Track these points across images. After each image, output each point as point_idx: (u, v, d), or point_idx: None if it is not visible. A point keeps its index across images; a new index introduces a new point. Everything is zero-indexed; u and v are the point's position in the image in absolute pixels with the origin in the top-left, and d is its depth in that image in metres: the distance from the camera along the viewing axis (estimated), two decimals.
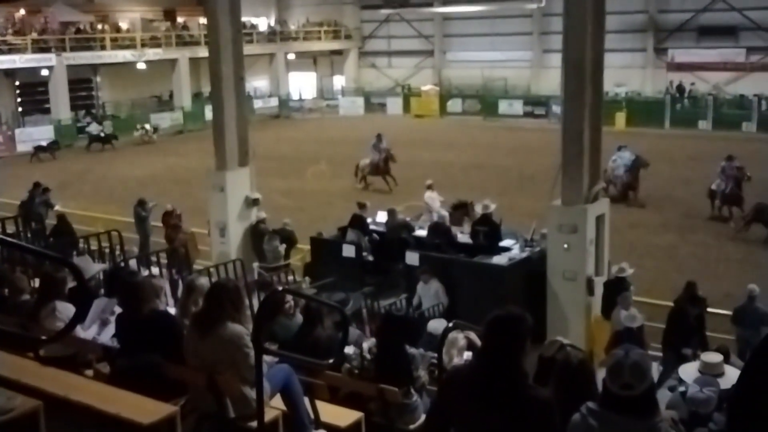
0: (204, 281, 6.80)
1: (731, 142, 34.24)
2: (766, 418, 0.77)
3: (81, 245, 13.80)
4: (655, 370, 6.56)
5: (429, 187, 19.56)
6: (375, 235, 16.35)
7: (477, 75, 46.98)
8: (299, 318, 8.03)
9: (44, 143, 36.35)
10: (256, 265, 15.66)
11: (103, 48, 42.01)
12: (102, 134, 38.30)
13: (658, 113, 39.93)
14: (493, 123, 42.77)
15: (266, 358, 5.61)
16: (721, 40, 41.40)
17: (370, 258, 15.91)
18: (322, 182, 27.80)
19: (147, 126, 40.50)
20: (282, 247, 16.37)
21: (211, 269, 12.05)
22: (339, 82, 53.85)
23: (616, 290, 12.64)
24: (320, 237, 16.63)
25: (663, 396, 6.74)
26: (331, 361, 5.64)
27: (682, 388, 6.74)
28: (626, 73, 41.32)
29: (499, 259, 14.30)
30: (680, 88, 41.79)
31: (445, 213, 17.21)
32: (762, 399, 0.75)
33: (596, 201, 13.29)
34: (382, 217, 16.94)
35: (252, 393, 5.37)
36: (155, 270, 11.45)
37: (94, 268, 8.97)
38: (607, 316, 12.68)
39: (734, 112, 39.25)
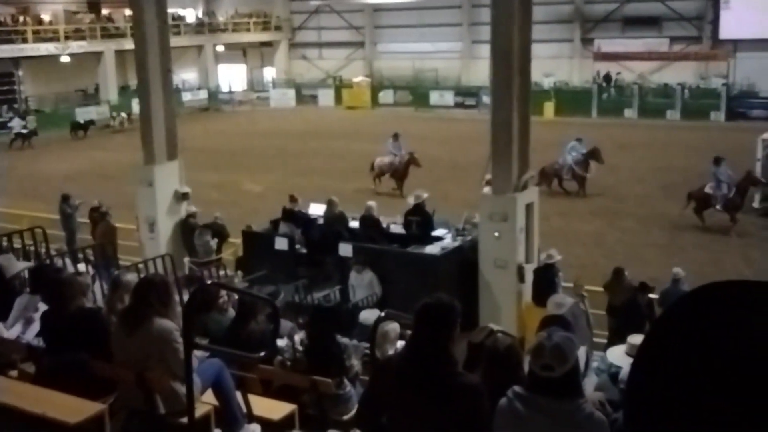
0: (131, 277, 6.69)
1: (656, 129, 35.23)
2: (660, 402, 0.79)
3: (4, 243, 13.40)
4: (583, 354, 6.66)
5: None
6: (313, 226, 16.27)
7: (408, 66, 47.20)
8: (232, 313, 7.96)
9: None
10: (186, 260, 15.45)
11: (24, 41, 40.83)
12: (24, 130, 37.25)
13: (585, 102, 40.70)
14: (424, 114, 43.00)
15: (197, 353, 5.56)
16: (646, 30, 42.42)
17: (304, 251, 15.84)
18: (255, 179, 27.55)
19: (123, 114, 39.70)
20: (213, 242, 16.16)
21: (140, 265, 11.85)
22: (269, 73, 53.49)
23: (545, 277, 12.86)
24: (252, 230, 16.49)
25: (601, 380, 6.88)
26: (262, 354, 5.60)
27: (613, 370, 6.87)
28: (554, 63, 42.07)
29: (432, 249, 14.38)
30: (607, 78, 42.66)
31: None
32: (656, 380, 0.77)
33: (526, 189, 13.48)
34: (315, 209, 16.87)
35: (182, 388, 5.30)
36: (81, 267, 11.18)
37: (18, 266, 8.73)
38: (538, 302, 12.88)
39: (659, 100, 40.29)
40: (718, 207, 19.86)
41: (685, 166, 26.51)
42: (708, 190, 20.01)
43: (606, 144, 24.97)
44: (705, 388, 0.82)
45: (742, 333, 0.82)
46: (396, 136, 25.53)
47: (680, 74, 40.57)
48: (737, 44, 40.24)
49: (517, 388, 3.65)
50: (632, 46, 42.53)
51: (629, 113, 39.79)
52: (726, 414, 0.81)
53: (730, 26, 40.16)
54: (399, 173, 24.49)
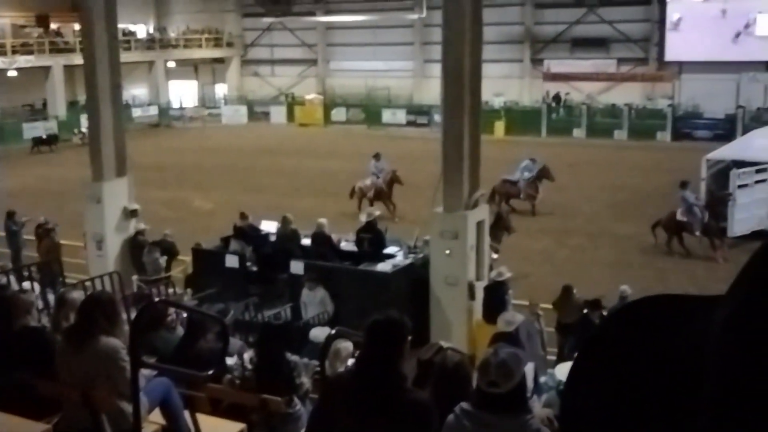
0: (77, 295, 6.59)
1: (604, 149, 35.81)
2: (591, 419, 0.80)
3: None
4: (530, 370, 6.72)
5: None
6: (264, 243, 16.19)
7: (360, 84, 47.34)
8: (181, 331, 7.87)
9: None
10: (135, 278, 15.25)
11: None
12: None
13: (535, 122, 41.20)
14: (376, 132, 43.13)
15: (144, 371, 5.48)
16: (594, 51, 43.19)
17: (255, 268, 15.74)
18: (206, 196, 27.32)
19: (84, 129, 38.95)
20: (162, 259, 16.00)
21: (86, 283, 11.65)
22: (221, 90, 53.20)
23: (495, 294, 12.96)
24: (201, 248, 16.35)
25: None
26: (210, 372, 5.55)
27: (561, 387, 6.95)
28: (504, 82, 42.57)
29: (384, 266, 14.42)
30: (556, 98, 43.30)
31: None
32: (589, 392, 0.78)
33: (476, 207, 13.59)
34: (267, 226, 16.80)
35: (129, 408, 5.21)
36: (27, 284, 10.97)
37: None
38: (488, 319, 12.96)
39: (606, 120, 40.97)
40: (697, 233, 19.30)
41: (632, 185, 27.00)
42: (681, 217, 19.40)
43: (555, 163, 25.29)
44: (632, 402, 0.83)
45: (670, 347, 0.84)
46: (377, 156, 24.63)
47: (627, 95, 41.35)
48: (682, 66, 41.22)
49: (464, 404, 3.67)
50: (581, 66, 43.28)
51: (578, 133, 40.39)
52: (654, 426, 0.83)
53: (676, 48, 41.14)
54: (383, 193, 23.60)
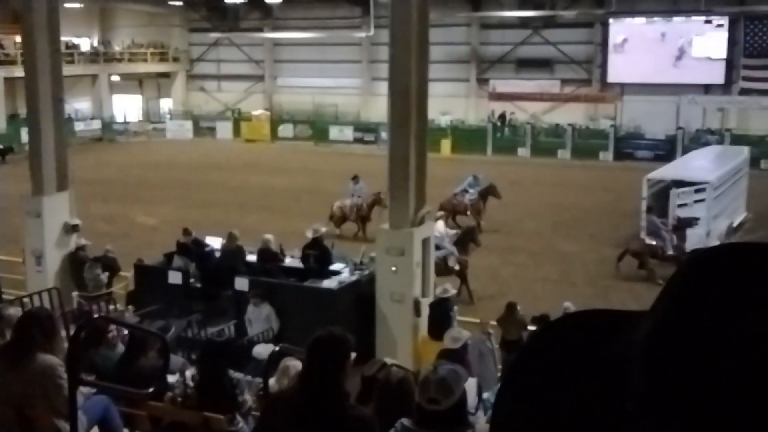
0: (13, 311, 6.45)
1: (548, 168, 36.34)
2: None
3: None
4: (473, 387, 6.74)
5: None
6: (208, 259, 16.03)
7: (308, 101, 47.30)
8: (122, 348, 7.74)
9: None
10: (75, 294, 14.94)
11: None
12: None
13: (480, 140, 41.60)
14: (324, 148, 43.13)
15: (83, 389, 5.37)
16: (538, 72, 43.87)
17: (198, 285, 15.57)
18: (150, 212, 26.96)
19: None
20: (104, 275, 15.72)
21: (24, 299, 11.38)
22: (166, 105, 52.65)
23: (440, 311, 13.02)
24: (144, 264, 16.12)
25: None
26: (150, 390, 5.46)
27: None
28: (451, 101, 42.94)
29: (329, 283, 14.39)
30: (501, 117, 43.82)
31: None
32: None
33: (422, 224, 13.66)
34: (212, 242, 16.64)
35: (66, 426, 5.11)
36: None
37: None
38: (434, 336, 13.01)
39: (550, 140, 41.58)
40: (670, 252, 19.30)
41: (575, 204, 27.42)
42: (651, 241, 19.56)
43: (500, 181, 25.55)
44: (556, 418, 0.84)
45: (594, 362, 0.85)
46: (356, 179, 23.99)
47: (571, 115, 42.02)
48: (624, 87, 42.10)
49: (405, 420, 3.67)
50: (525, 87, 43.89)
51: (522, 152, 40.90)
52: None
53: (618, 70, 42.03)
54: (363, 214, 23.12)
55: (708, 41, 40.24)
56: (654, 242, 19.60)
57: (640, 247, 19.67)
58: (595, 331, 0.86)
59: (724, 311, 0.72)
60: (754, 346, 0.69)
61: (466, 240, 18.10)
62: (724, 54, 39.96)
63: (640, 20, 41.67)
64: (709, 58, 40.20)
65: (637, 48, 41.29)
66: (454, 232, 18.82)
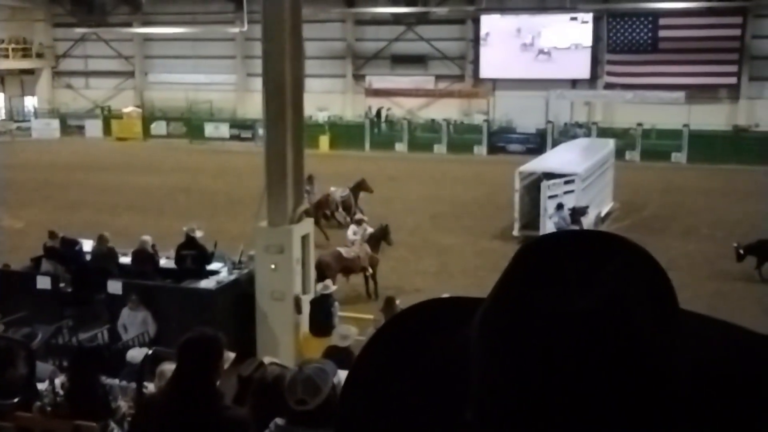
0: None
1: (425, 162, 36.90)
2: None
3: None
4: None
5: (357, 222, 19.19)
6: (78, 263, 15.46)
7: (181, 97, 46.34)
8: None
9: None
10: None
11: None
12: None
13: (358, 136, 41.83)
14: (199, 146, 42.35)
15: None
16: (413, 68, 44.42)
17: (69, 289, 14.99)
18: (16, 215, 25.76)
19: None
20: None
21: None
22: (31, 103, 50.47)
23: (322, 307, 13.00)
24: (9, 269, 15.41)
25: None
26: (16, 399, 5.20)
27: None
28: (328, 97, 43.00)
29: (207, 283, 14.15)
30: (378, 113, 44.16)
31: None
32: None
33: (301, 221, 13.58)
34: (83, 245, 16.07)
35: None
36: None
37: None
38: (315, 332, 12.98)
39: (426, 135, 42.23)
40: None
41: (452, 197, 27.92)
42: None
43: (378, 176, 25.78)
44: (402, 410, 0.83)
45: (442, 349, 0.85)
46: (310, 178, 21.73)
47: (446, 110, 42.76)
48: (496, 83, 43.16)
49: (278, 420, 3.63)
50: (401, 83, 44.34)
51: (400, 147, 41.37)
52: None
53: (490, 66, 43.05)
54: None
55: (566, 34, 41.39)
56: None
57: None
58: (442, 319, 0.86)
59: (543, 291, 0.75)
60: (563, 324, 0.71)
61: (378, 239, 18.36)
62: (589, 47, 41.27)
63: (496, 15, 42.60)
64: (576, 46, 41.29)
65: (500, 42, 42.20)
66: (371, 230, 18.90)
